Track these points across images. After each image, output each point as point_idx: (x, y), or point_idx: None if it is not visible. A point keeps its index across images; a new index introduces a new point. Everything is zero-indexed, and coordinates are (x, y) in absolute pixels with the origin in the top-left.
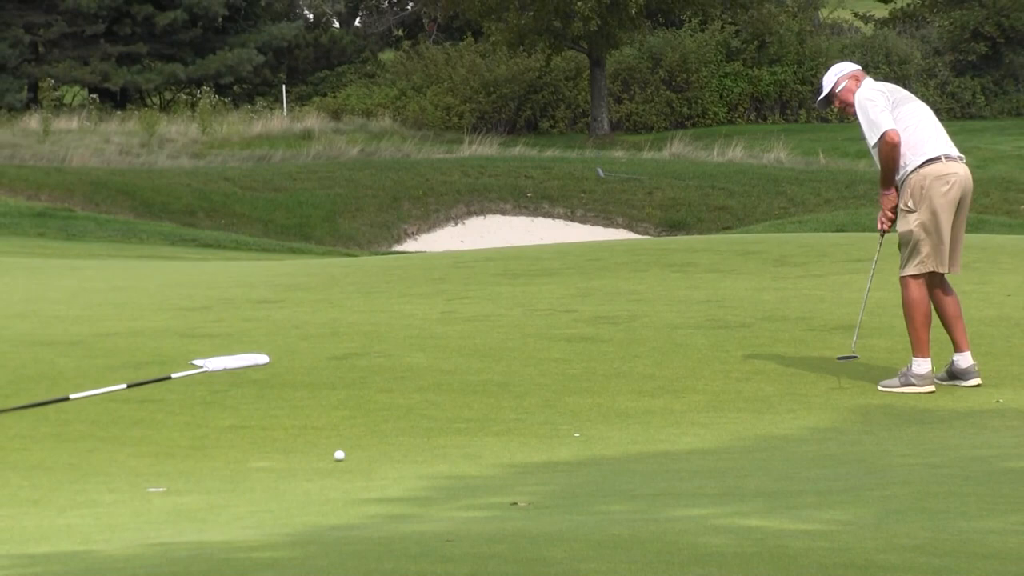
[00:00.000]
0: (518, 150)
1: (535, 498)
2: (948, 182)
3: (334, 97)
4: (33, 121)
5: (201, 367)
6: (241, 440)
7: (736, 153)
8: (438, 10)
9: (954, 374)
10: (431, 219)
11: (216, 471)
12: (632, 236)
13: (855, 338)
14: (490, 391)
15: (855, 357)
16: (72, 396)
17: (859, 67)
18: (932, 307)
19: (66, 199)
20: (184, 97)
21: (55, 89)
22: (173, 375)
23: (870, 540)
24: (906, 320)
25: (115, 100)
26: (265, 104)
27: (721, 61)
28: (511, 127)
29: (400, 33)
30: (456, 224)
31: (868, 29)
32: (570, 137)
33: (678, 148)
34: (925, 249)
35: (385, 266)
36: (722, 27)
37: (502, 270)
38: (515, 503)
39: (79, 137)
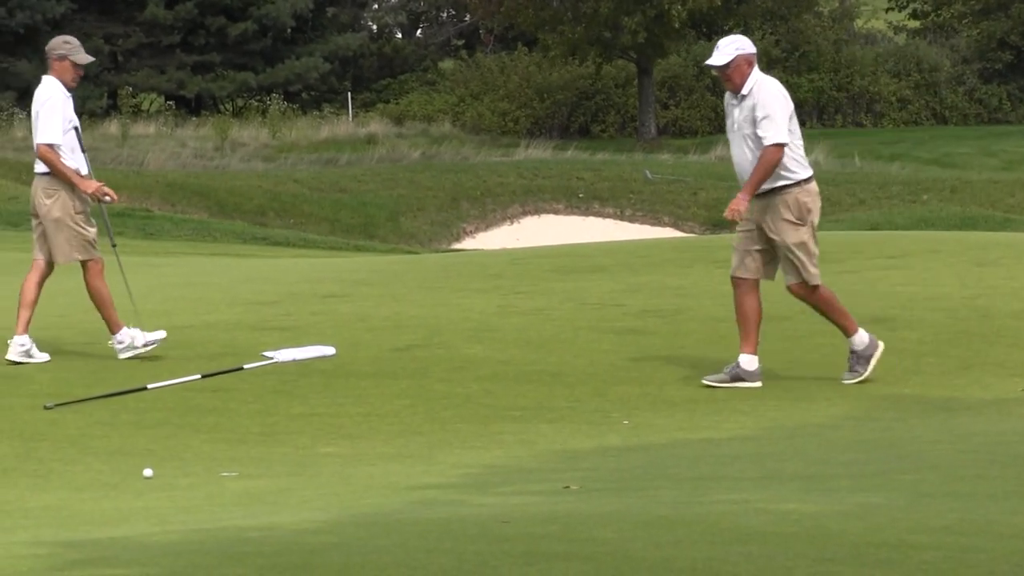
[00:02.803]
0: (570, 153)
1: (586, 481)
2: (819, 202)
3: (397, 103)
4: (113, 127)
5: (271, 358)
6: (309, 427)
7: None
8: (495, 22)
9: (739, 376)
10: (488, 218)
11: (286, 456)
12: (678, 234)
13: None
14: (544, 380)
15: None
16: (150, 386)
17: (755, 50)
18: (752, 306)
19: (144, 200)
20: (255, 104)
21: (133, 96)
22: (245, 366)
23: (902, 521)
24: (830, 312)
25: (190, 107)
26: (332, 110)
27: (762, 68)
28: (564, 132)
29: (459, 43)
30: (512, 223)
31: (901, 39)
32: (619, 141)
33: (722, 151)
34: (812, 263)
35: (445, 263)
36: (762, 37)
37: (555, 267)
38: (567, 486)
39: (156, 142)
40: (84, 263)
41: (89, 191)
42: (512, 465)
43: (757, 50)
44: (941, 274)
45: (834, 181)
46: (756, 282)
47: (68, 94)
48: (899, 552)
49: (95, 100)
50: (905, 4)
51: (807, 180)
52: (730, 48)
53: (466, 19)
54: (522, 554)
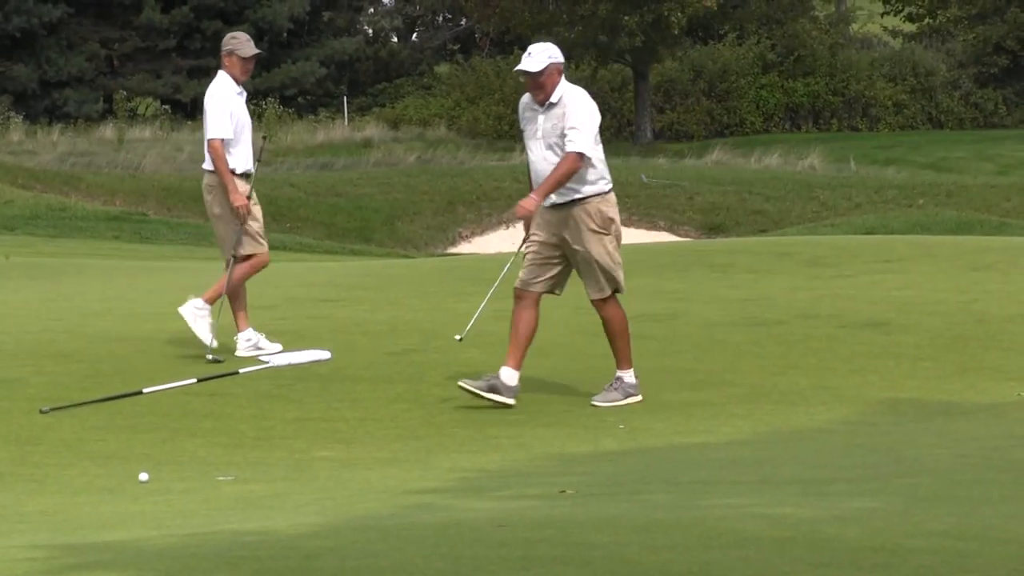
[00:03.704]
0: None
1: (582, 486)
2: (618, 214)
3: (392, 108)
4: (108, 131)
5: (267, 362)
6: (305, 431)
7: (772, 160)
8: (491, 25)
9: (495, 388)
10: (484, 223)
11: (281, 461)
12: (674, 238)
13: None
14: (540, 385)
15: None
16: (146, 390)
17: (563, 59)
18: (528, 322)
19: (140, 204)
20: (251, 108)
21: (129, 100)
22: (241, 370)
23: (899, 525)
24: (617, 336)
25: (186, 111)
26: (327, 114)
27: (758, 73)
28: None
29: (454, 47)
30: (508, 227)
31: (897, 43)
32: (615, 145)
33: (718, 156)
34: (621, 272)
35: (441, 267)
36: (758, 41)
37: None
38: (563, 491)
39: (152, 146)
40: (245, 257)
41: (234, 204)
42: (508, 469)
43: (756, 54)
44: (937, 279)
45: (830, 185)
46: (539, 297)
47: (240, 89)
48: (896, 557)
49: (91, 104)
50: (901, 8)
51: (608, 192)
52: (543, 56)
53: (462, 23)
54: (518, 558)
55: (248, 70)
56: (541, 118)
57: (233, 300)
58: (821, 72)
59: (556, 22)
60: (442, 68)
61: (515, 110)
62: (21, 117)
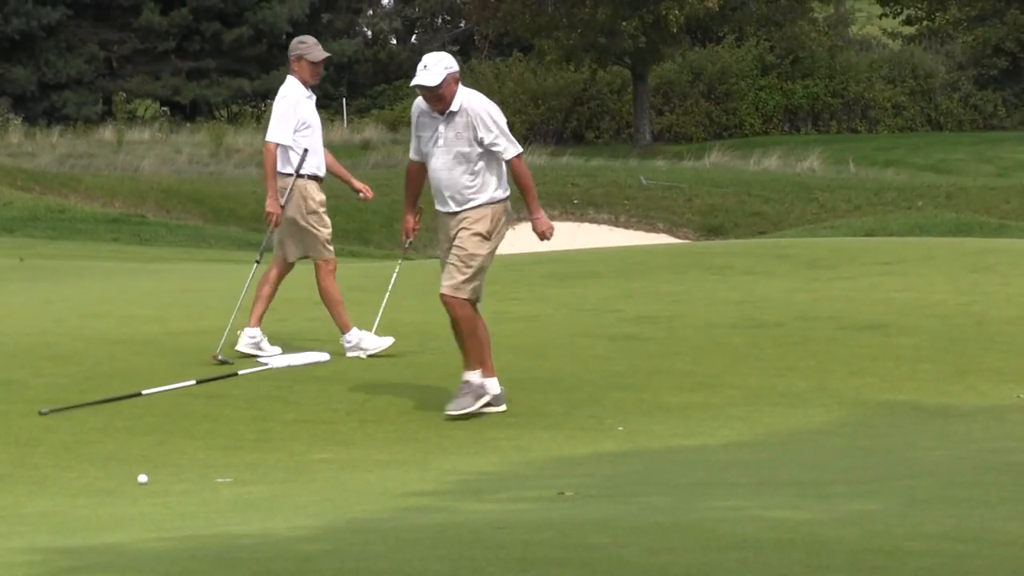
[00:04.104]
0: (565, 159)
1: (581, 488)
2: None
3: (391, 109)
4: (108, 132)
5: (266, 364)
6: (304, 433)
7: (771, 162)
8: (490, 27)
9: (488, 402)
10: None
11: (280, 463)
12: (672, 240)
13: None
14: (539, 387)
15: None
16: (144, 392)
17: (458, 67)
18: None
19: (139, 206)
20: (250, 110)
21: (128, 102)
22: (240, 372)
23: (897, 528)
24: (467, 337)
25: (185, 113)
26: (326, 116)
27: (757, 75)
28: (559, 137)
29: (454, 49)
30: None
31: (895, 45)
32: (614, 147)
33: (716, 158)
34: (483, 278)
35: (439, 269)
36: (757, 43)
37: (550, 272)
38: (562, 493)
39: (151, 148)
40: (316, 263)
41: (266, 209)
42: (507, 471)
43: (755, 56)
44: (936, 280)
45: (829, 187)
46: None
47: (309, 93)
48: (894, 559)
49: (90, 106)
50: (899, 10)
51: (505, 199)
52: (439, 68)
53: (461, 25)
54: (517, 560)
55: (317, 74)
56: (442, 127)
57: (263, 300)
58: (820, 74)
59: (555, 25)
60: None
61: (514, 112)
62: (20, 119)
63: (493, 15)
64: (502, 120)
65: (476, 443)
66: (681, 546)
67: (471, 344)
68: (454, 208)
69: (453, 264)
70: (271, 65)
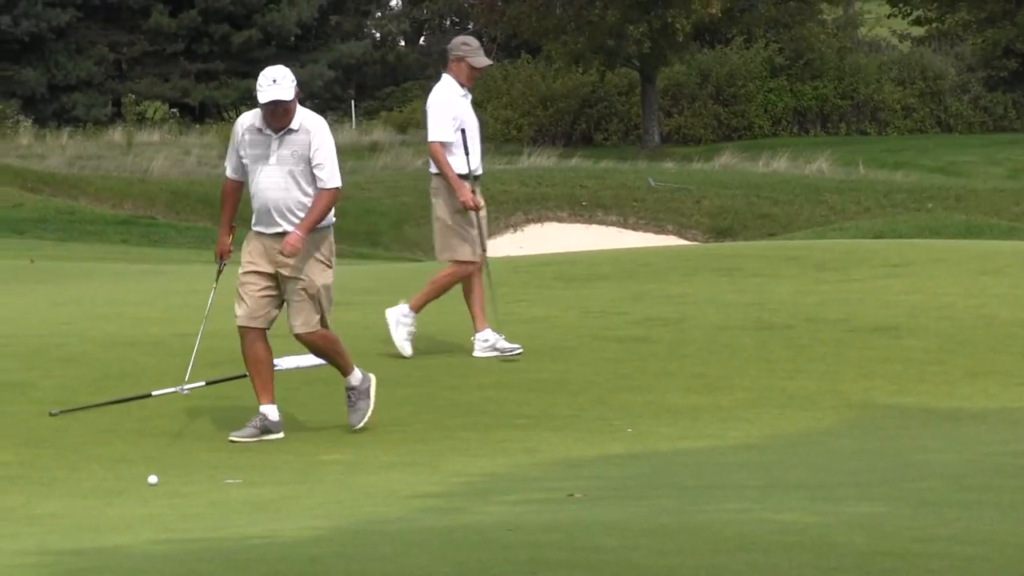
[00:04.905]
0: (574, 161)
1: (589, 490)
2: None
3: (400, 111)
4: (117, 134)
5: (275, 365)
6: (312, 435)
7: (780, 164)
8: (498, 30)
9: (268, 429)
10: (491, 226)
11: (289, 464)
12: (681, 242)
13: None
14: (547, 389)
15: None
16: (154, 393)
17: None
18: (264, 353)
19: (148, 208)
20: None
21: (137, 104)
22: (248, 373)
23: (907, 530)
24: (333, 354)
25: (194, 114)
26: (335, 118)
27: (766, 77)
28: (567, 139)
29: None
30: (515, 231)
31: (905, 47)
32: (623, 149)
33: (725, 159)
34: (327, 307)
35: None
36: (766, 44)
37: (558, 274)
38: (571, 494)
39: (160, 149)
40: (456, 262)
41: (460, 198)
42: (515, 473)
43: (764, 58)
44: (946, 283)
45: (838, 189)
46: (266, 330)
47: (464, 92)
48: (904, 561)
49: (100, 108)
50: (909, 12)
51: (333, 224)
52: (288, 82)
53: (469, 27)
54: (525, 562)
55: (473, 78)
56: (275, 143)
57: (472, 300)
58: (829, 76)
59: (563, 28)
60: None
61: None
62: (30, 121)
63: (500, 18)
64: (333, 148)
65: (485, 445)
66: (690, 548)
67: (337, 358)
68: (282, 228)
69: (300, 303)
70: None
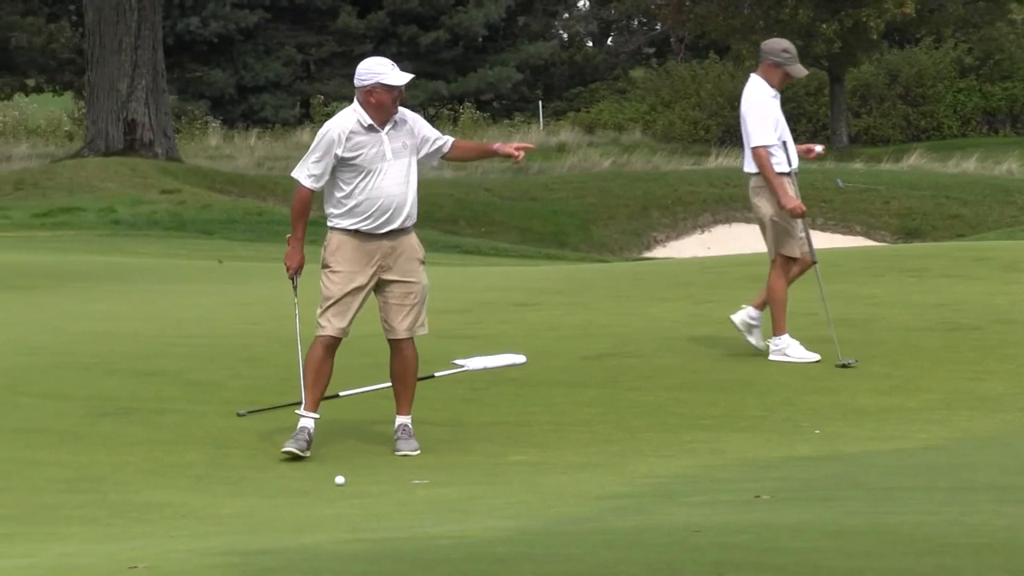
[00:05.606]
0: None
1: (776, 491)
2: None
3: (587, 112)
4: (306, 135)
5: (462, 366)
6: (499, 435)
7: (969, 165)
8: (685, 30)
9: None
10: (679, 227)
11: (475, 464)
12: (869, 243)
13: None
14: (734, 389)
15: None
16: (342, 393)
17: None
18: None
19: None
20: (447, 112)
21: (326, 105)
22: (436, 374)
23: None
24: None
25: None
26: (522, 119)
27: (955, 77)
28: None
29: (649, 51)
30: (703, 232)
31: None
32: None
33: (914, 160)
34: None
35: (635, 271)
36: (955, 45)
37: (746, 275)
38: (758, 496)
39: None
40: (786, 259)
41: (786, 206)
42: (702, 474)
43: (953, 58)
44: None
45: None
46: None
47: (775, 93)
48: None
49: (288, 109)
50: None
51: None
52: (398, 69)
53: (657, 27)
54: (712, 563)
55: (786, 82)
56: (386, 138)
57: (774, 304)
58: (1019, 76)
59: (752, 27)
60: (637, 72)
61: (710, 115)
62: (219, 122)
63: (687, 17)
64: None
65: (671, 446)
66: (877, 550)
67: (414, 384)
68: (401, 224)
69: (413, 306)
70: (467, 68)
